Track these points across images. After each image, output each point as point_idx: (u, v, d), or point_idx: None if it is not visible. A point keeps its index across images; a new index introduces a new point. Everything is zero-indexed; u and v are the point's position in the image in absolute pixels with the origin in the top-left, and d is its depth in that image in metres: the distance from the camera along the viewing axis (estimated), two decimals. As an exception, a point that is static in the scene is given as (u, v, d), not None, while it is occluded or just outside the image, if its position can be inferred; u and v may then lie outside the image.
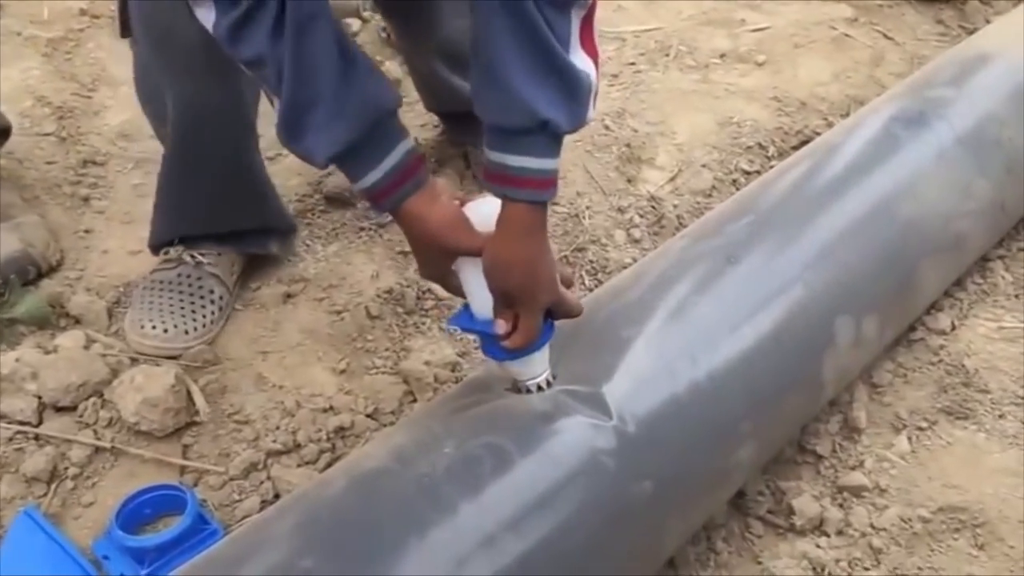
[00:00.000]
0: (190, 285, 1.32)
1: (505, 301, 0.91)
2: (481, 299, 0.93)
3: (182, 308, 1.30)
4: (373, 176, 0.90)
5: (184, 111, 1.21)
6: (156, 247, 1.38)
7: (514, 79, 0.83)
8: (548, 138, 0.86)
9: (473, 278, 0.93)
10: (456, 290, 0.96)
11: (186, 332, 1.29)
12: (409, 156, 0.91)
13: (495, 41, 0.83)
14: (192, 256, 1.34)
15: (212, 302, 1.33)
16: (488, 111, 0.87)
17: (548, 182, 0.88)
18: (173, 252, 1.35)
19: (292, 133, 0.89)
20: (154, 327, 1.28)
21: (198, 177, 1.30)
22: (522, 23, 0.82)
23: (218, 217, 1.35)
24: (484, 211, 0.91)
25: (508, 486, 0.87)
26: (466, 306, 0.95)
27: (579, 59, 0.86)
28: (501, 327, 0.91)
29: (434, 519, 0.83)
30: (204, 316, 1.31)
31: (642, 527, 0.95)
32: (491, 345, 0.94)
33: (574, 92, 0.86)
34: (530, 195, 0.87)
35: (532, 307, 0.90)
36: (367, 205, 0.97)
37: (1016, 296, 1.43)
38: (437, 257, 0.94)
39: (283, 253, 1.44)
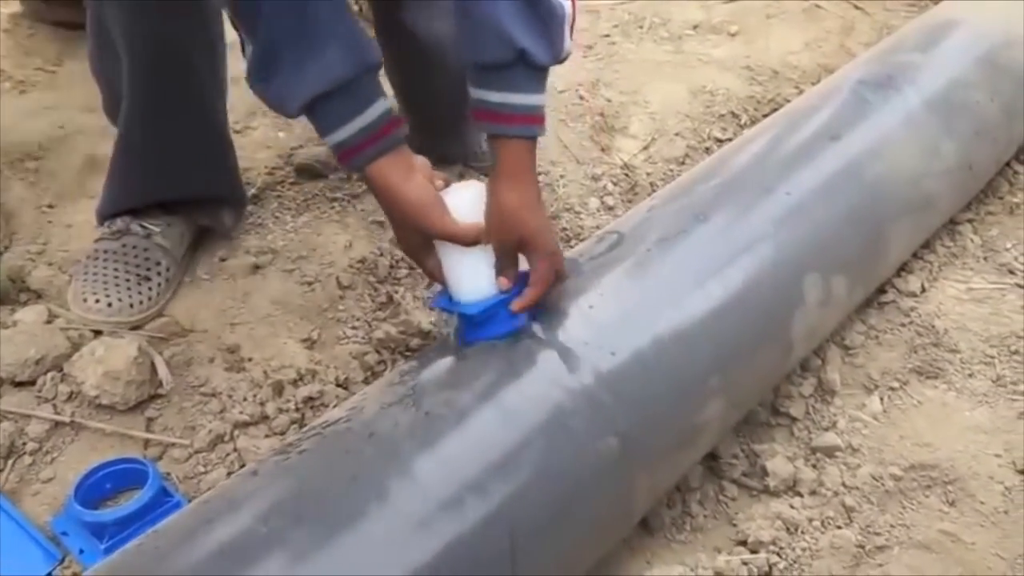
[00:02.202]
0: (136, 256, 1.28)
1: (517, 249, 0.91)
2: (460, 283, 0.93)
3: (127, 280, 1.26)
4: (346, 131, 0.88)
5: (143, 52, 1.13)
6: (104, 217, 1.33)
7: (494, 11, 0.85)
8: (527, 71, 0.87)
9: (454, 261, 0.92)
10: (431, 273, 0.96)
11: (131, 306, 1.25)
12: (384, 117, 0.90)
13: None
14: (142, 226, 1.30)
15: (159, 274, 1.29)
16: (467, 48, 0.88)
17: (534, 118, 0.90)
18: (120, 222, 1.31)
19: (267, 71, 0.85)
20: (97, 300, 1.24)
21: (158, 131, 1.23)
22: None
23: (174, 181, 1.30)
24: (464, 197, 0.91)
25: (471, 446, 0.86)
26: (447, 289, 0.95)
27: None
28: (504, 284, 0.92)
29: (395, 480, 0.81)
30: (150, 289, 1.27)
31: (610, 484, 0.94)
32: (469, 327, 0.94)
33: (548, 22, 0.88)
34: (519, 130, 0.89)
35: (546, 248, 0.92)
36: (340, 168, 0.97)
37: (984, 258, 1.44)
38: (411, 234, 0.93)
39: (234, 225, 1.40)
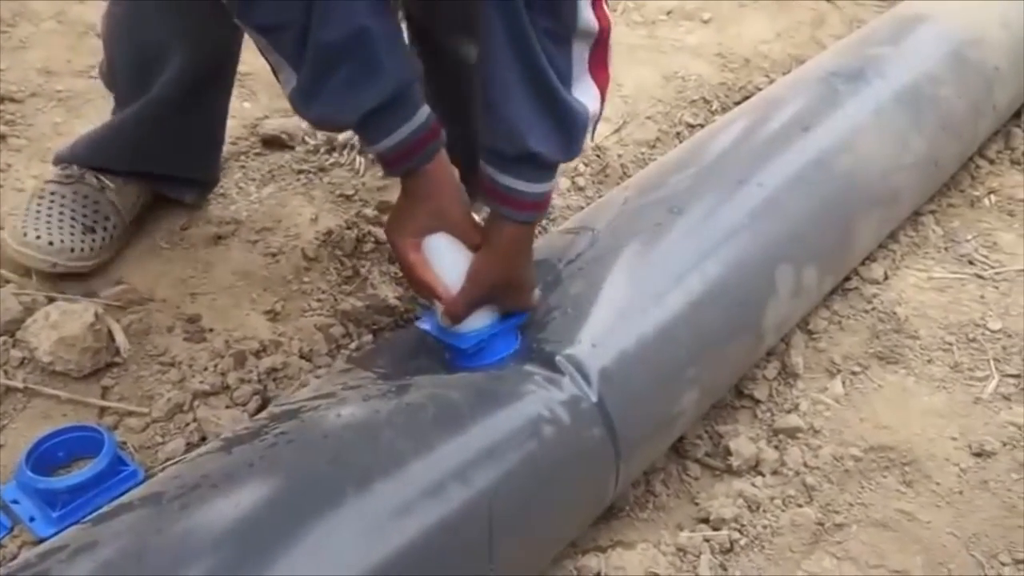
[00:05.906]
0: (85, 206, 1.23)
1: (483, 301, 0.93)
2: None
3: (72, 226, 1.21)
4: (397, 136, 0.88)
5: (187, 70, 1.15)
6: (63, 160, 1.28)
7: (509, 111, 0.86)
8: (537, 167, 0.89)
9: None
10: (412, 276, 0.93)
11: (71, 250, 1.20)
12: (431, 120, 0.90)
13: (496, 70, 0.86)
14: (97, 178, 1.25)
15: (105, 229, 1.24)
16: (484, 133, 0.89)
17: (539, 204, 0.91)
18: (76, 168, 1.25)
19: (313, 95, 0.85)
20: (38, 237, 1.18)
21: (172, 124, 1.22)
22: (523, 56, 0.84)
23: (157, 160, 1.27)
24: (441, 245, 0.92)
25: (454, 434, 0.85)
26: (434, 315, 0.95)
27: (582, 90, 0.88)
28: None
29: (377, 467, 0.80)
30: (94, 241, 1.22)
31: (591, 472, 0.94)
32: (459, 356, 0.94)
33: (568, 129, 0.88)
34: (525, 216, 0.91)
35: (516, 302, 0.95)
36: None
37: (945, 249, 1.47)
38: (423, 218, 0.91)
39: (196, 203, 1.37)
